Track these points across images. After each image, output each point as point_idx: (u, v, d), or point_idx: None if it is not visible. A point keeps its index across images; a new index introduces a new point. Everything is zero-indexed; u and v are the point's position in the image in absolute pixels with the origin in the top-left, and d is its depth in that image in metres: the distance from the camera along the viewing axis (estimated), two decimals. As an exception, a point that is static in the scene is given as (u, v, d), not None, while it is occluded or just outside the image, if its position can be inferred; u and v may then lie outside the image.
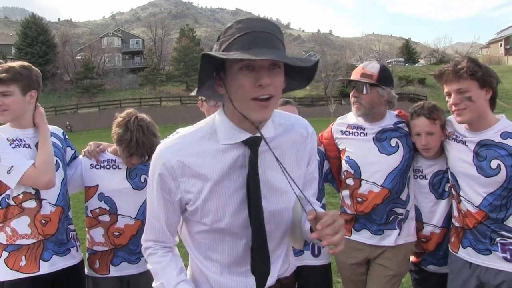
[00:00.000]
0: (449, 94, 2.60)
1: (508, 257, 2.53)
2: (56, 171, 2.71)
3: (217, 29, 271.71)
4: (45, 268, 2.65)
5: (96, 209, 2.93)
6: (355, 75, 2.93)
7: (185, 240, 1.84)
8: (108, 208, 2.92)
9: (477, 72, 2.49)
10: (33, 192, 2.65)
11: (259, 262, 1.68)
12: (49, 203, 2.70)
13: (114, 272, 2.95)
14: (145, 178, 2.97)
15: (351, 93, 2.94)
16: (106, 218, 2.92)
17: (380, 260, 2.99)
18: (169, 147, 1.64)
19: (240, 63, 1.43)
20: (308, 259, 3.09)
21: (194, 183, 1.63)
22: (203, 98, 3.10)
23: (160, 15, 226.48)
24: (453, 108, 2.59)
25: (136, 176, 2.98)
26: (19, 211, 2.60)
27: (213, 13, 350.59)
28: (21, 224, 2.60)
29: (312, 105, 52.81)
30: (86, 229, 3.03)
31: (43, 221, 2.67)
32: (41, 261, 2.64)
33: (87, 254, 3.03)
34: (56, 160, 2.76)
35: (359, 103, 2.88)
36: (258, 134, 1.58)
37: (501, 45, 78.19)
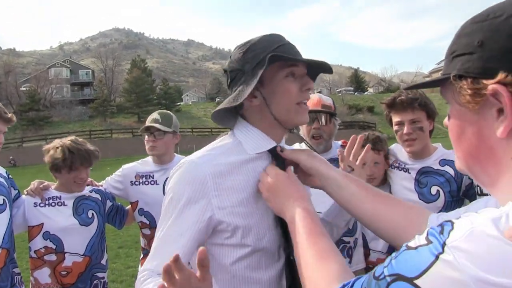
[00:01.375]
0: (399, 124, 2.69)
1: None
2: (4, 211, 2.65)
3: (169, 59, 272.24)
4: None
5: (41, 248, 2.82)
6: (313, 106, 2.89)
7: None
8: (54, 247, 2.82)
9: (427, 104, 2.65)
10: None
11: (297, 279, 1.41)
12: None
13: None
14: (93, 214, 2.97)
15: (312, 125, 2.89)
16: (52, 257, 2.82)
17: None
18: (198, 158, 1.43)
19: (286, 71, 1.47)
20: None
21: (228, 197, 1.41)
22: (156, 132, 3.21)
23: (110, 45, 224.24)
24: (405, 137, 2.67)
25: (83, 211, 2.93)
26: None
27: (164, 44, 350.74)
28: None
29: None
30: (30, 271, 2.89)
31: None
32: None
33: None
34: (3, 200, 2.67)
35: (321, 136, 2.89)
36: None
37: (441, 75, 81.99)
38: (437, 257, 0.70)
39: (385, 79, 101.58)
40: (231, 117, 1.59)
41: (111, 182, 3.34)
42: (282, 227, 1.45)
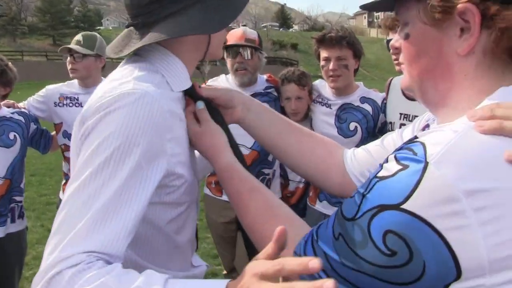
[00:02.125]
0: (326, 59, 2.75)
1: None
2: (12, 146, 2.86)
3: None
4: None
5: None
6: (237, 40, 2.96)
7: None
8: None
9: (355, 44, 2.74)
10: None
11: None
12: None
13: None
14: (14, 135, 2.92)
15: (235, 59, 2.94)
16: None
17: None
18: (148, 88, 1.06)
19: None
20: None
21: (178, 142, 1.16)
22: (76, 54, 3.18)
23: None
24: (330, 73, 2.75)
25: (4, 132, 2.86)
26: None
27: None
28: None
29: None
30: None
31: None
32: None
33: None
34: (14, 136, 2.89)
35: (246, 68, 2.94)
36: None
37: (365, 18, 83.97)
38: (421, 176, 0.70)
39: (310, 18, 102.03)
40: (136, 42, 1.20)
41: (32, 102, 3.28)
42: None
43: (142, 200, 0.98)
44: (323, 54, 2.78)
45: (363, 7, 1.07)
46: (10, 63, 2.93)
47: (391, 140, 1.29)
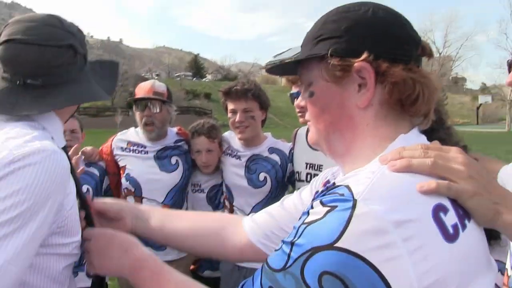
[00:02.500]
0: (233, 112, 2.82)
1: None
2: None
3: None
4: None
5: None
6: (145, 93, 2.94)
7: None
8: None
9: (260, 96, 2.82)
10: None
11: None
12: None
13: None
14: None
15: (143, 113, 2.93)
16: None
17: None
18: (51, 145, 1.17)
19: None
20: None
21: (71, 195, 1.27)
22: None
23: None
24: (237, 125, 2.82)
25: None
26: None
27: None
28: None
29: (97, 116, 50.62)
30: None
31: None
32: None
33: None
34: None
35: (152, 123, 2.93)
36: None
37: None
38: (351, 213, 0.72)
39: (223, 67, 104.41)
40: (32, 100, 1.25)
41: None
42: None
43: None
44: (230, 106, 2.83)
45: (269, 71, 1.16)
46: None
47: (291, 202, 1.37)
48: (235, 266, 2.88)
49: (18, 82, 1.23)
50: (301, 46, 1.04)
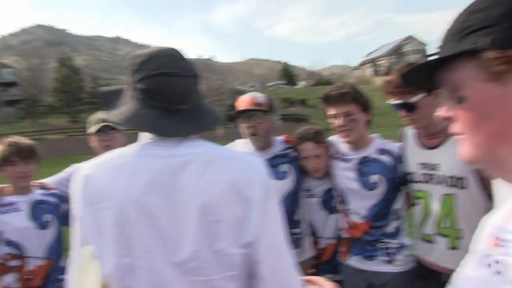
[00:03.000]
0: (335, 116, 2.77)
1: (388, 259, 2.78)
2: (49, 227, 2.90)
3: (97, 57, 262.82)
4: None
5: (6, 254, 2.81)
6: (246, 105, 2.94)
7: None
8: (17, 253, 2.82)
9: (359, 98, 2.75)
10: None
11: None
12: None
13: None
14: (52, 217, 2.97)
15: (247, 124, 2.95)
16: (16, 263, 2.81)
17: None
18: None
19: None
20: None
21: None
22: (110, 130, 3.10)
23: (34, 43, 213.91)
24: (340, 129, 2.77)
25: (40, 216, 2.93)
26: None
27: (91, 41, 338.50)
28: None
29: None
30: None
31: None
32: None
33: None
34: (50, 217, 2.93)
35: (257, 133, 2.94)
36: None
37: (370, 67, 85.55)
38: None
39: (314, 72, 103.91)
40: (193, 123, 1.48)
41: (61, 181, 3.20)
42: None
43: None
44: (331, 111, 2.79)
45: (404, 80, 0.95)
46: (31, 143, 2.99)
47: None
48: (356, 270, 2.88)
49: (169, 108, 1.38)
50: (440, 47, 0.89)
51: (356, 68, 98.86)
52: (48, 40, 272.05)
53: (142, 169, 1.33)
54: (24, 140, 2.93)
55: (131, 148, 1.41)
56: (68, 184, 2.92)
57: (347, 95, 2.71)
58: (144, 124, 1.37)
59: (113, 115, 1.40)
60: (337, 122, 2.77)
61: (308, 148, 2.98)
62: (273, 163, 2.99)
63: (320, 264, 3.15)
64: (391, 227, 2.80)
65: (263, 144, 3.01)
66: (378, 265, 2.81)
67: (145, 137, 1.44)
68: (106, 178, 1.33)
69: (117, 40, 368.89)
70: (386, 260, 2.79)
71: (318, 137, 2.99)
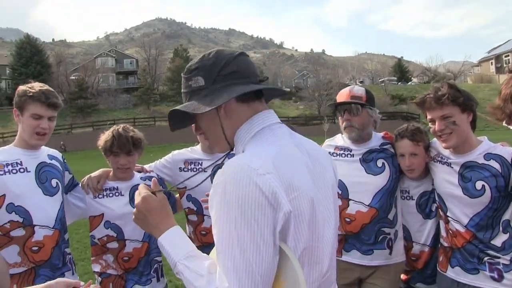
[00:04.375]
0: (432, 121, 2.66)
1: (496, 276, 2.56)
2: (55, 194, 2.78)
3: (211, 49, 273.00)
4: None
5: (103, 237, 2.96)
6: (344, 98, 2.99)
7: None
8: (115, 235, 2.96)
9: (458, 98, 2.56)
10: (21, 220, 2.60)
11: None
12: (46, 227, 2.68)
13: None
14: None
15: (343, 117, 3.01)
16: (114, 245, 2.96)
17: (371, 279, 3.02)
18: None
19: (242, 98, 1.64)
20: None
21: None
22: None
23: (154, 35, 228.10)
24: (438, 133, 2.65)
25: None
26: (7, 240, 2.56)
27: (206, 33, 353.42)
28: (10, 253, 2.57)
29: (306, 125, 53.08)
30: (93, 258, 3.06)
31: (35, 248, 2.64)
32: None
33: (97, 279, 3.03)
34: (56, 183, 2.82)
35: (352, 125, 2.96)
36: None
37: (492, 64, 79.06)
38: None
39: (430, 69, 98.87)
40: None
41: (159, 167, 3.31)
42: None
43: None
44: (428, 116, 2.68)
45: None
46: (134, 132, 3.02)
47: None
48: (454, 282, 2.73)
49: (256, 81, 1.57)
50: None
51: (476, 65, 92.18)
52: (166, 33, 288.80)
53: (303, 160, 1.49)
54: (129, 132, 2.98)
55: (286, 138, 1.53)
56: (165, 170, 3.29)
57: (443, 97, 2.56)
58: (275, 90, 1.71)
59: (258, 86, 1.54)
60: (435, 127, 2.65)
61: (404, 145, 2.90)
62: (369, 157, 3.02)
63: (412, 271, 3.11)
64: (498, 240, 2.57)
65: (358, 137, 3.01)
66: (482, 281, 2.61)
67: (268, 120, 1.54)
68: (287, 171, 1.38)
69: (231, 33, 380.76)
70: (493, 277, 2.57)
71: (416, 135, 2.88)
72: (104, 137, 2.95)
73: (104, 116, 58.10)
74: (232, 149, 1.62)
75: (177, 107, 1.56)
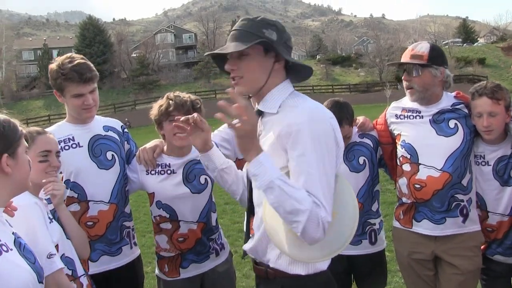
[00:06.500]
0: None
1: None
2: (112, 166, 2.76)
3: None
4: (94, 268, 2.67)
5: (156, 216, 2.83)
6: (404, 58, 2.83)
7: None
8: (168, 216, 2.79)
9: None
10: (76, 195, 2.65)
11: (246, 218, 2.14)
12: (101, 202, 2.70)
13: (184, 274, 2.84)
14: (206, 179, 2.83)
15: (403, 77, 2.85)
16: (167, 225, 2.81)
17: (448, 257, 2.81)
18: None
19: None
20: (366, 248, 3.13)
21: None
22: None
23: (211, 8, 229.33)
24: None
25: (195, 178, 2.81)
26: None
27: (263, 3, 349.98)
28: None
29: (368, 91, 52.16)
30: (154, 234, 2.97)
31: (89, 223, 2.68)
32: (89, 261, 2.65)
33: (156, 257, 2.95)
34: (112, 155, 2.78)
35: (412, 87, 2.79)
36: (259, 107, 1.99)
37: None
38: None
39: (498, 28, 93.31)
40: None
41: (216, 139, 2.80)
42: None
43: None
44: None
45: None
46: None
47: None
48: None
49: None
50: None
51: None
52: (224, 5, 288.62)
53: None
54: (185, 95, 2.77)
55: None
56: (224, 143, 2.90)
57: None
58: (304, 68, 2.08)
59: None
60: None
61: (482, 103, 2.64)
62: (440, 118, 2.80)
63: (490, 242, 2.89)
64: None
65: (420, 99, 2.82)
66: None
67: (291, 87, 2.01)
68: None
69: (288, 1, 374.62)
70: None
71: (496, 93, 2.63)
72: (156, 105, 2.74)
73: (166, 91, 55.12)
74: (250, 97, 2.03)
75: (257, 41, 1.84)
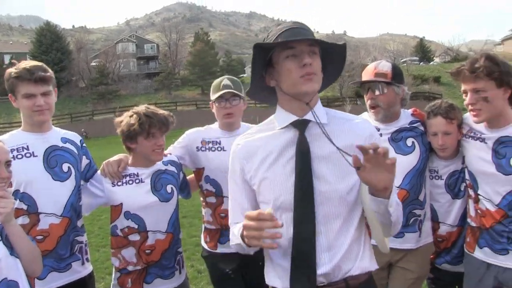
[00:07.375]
0: (466, 92, 2.54)
1: None
2: (68, 179, 2.66)
3: (231, 32, 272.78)
4: (42, 287, 2.50)
5: (124, 228, 2.76)
6: (368, 76, 2.84)
7: None
8: (136, 226, 2.75)
9: (494, 72, 2.41)
10: (25, 207, 2.52)
11: (299, 241, 1.80)
12: (52, 214, 2.58)
13: None
14: (172, 188, 2.86)
15: (367, 96, 2.85)
16: (136, 237, 2.75)
17: (402, 263, 2.93)
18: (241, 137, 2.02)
19: (286, 53, 1.78)
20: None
21: (252, 164, 1.91)
22: (231, 98, 3.06)
23: (174, 19, 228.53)
24: (470, 107, 2.55)
25: (162, 187, 2.83)
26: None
27: (227, 17, 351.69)
28: None
29: (328, 106, 51.25)
30: (112, 250, 2.85)
31: (39, 237, 2.53)
32: (35, 279, 2.33)
33: (115, 273, 2.87)
34: (68, 167, 2.68)
35: (377, 105, 2.81)
36: (306, 117, 1.86)
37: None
38: None
39: (452, 48, 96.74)
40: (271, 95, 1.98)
41: (177, 147, 3.17)
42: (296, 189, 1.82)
43: None
44: (462, 87, 2.56)
45: None
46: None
47: None
48: (483, 263, 2.66)
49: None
50: None
51: (498, 44, 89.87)
52: (187, 17, 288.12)
53: None
54: (160, 111, 2.80)
55: None
56: (180, 151, 3.12)
57: (478, 70, 2.43)
58: None
59: None
60: (467, 99, 2.54)
61: (437, 123, 2.76)
62: (398, 136, 2.87)
63: (439, 251, 3.03)
64: None
65: (384, 117, 2.85)
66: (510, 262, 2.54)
67: None
68: None
69: (252, 16, 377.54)
70: None
71: (450, 113, 2.75)
72: (127, 121, 2.70)
73: (125, 102, 58.40)
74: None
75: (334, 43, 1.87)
